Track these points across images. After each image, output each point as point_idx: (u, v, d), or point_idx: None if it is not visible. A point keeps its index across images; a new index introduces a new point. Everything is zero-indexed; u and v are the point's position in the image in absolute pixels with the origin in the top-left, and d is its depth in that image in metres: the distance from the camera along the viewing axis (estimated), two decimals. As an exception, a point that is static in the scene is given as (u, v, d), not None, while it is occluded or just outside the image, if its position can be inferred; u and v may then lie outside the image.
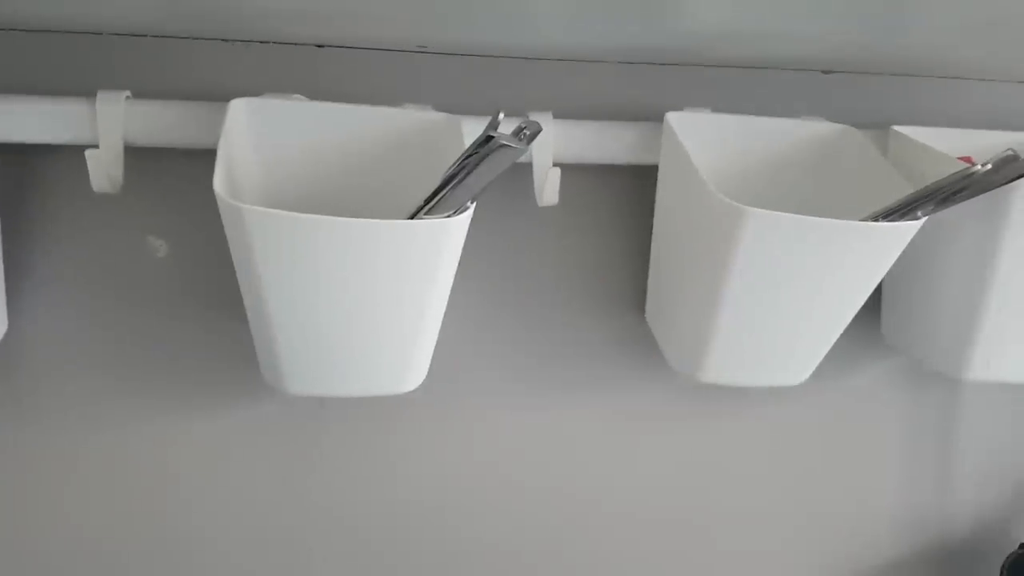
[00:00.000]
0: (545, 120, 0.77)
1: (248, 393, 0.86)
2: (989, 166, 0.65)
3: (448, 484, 0.93)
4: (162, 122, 0.73)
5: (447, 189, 0.60)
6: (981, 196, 0.69)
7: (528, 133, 0.59)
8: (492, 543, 0.96)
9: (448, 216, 0.64)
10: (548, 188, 0.79)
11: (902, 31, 0.70)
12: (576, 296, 0.90)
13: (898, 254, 0.72)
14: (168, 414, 0.86)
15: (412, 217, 0.63)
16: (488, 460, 0.94)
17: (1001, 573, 1.01)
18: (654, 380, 0.93)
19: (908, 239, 0.71)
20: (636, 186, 0.87)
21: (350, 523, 0.92)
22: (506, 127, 0.57)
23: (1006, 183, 0.67)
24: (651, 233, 0.85)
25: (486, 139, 0.55)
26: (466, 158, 0.58)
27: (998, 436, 1.06)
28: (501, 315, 0.90)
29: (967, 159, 0.75)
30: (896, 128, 0.84)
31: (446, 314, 0.72)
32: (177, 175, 0.79)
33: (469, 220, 0.66)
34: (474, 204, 0.65)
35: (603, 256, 0.90)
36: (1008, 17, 0.62)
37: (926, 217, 0.70)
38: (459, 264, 0.69)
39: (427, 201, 0.62)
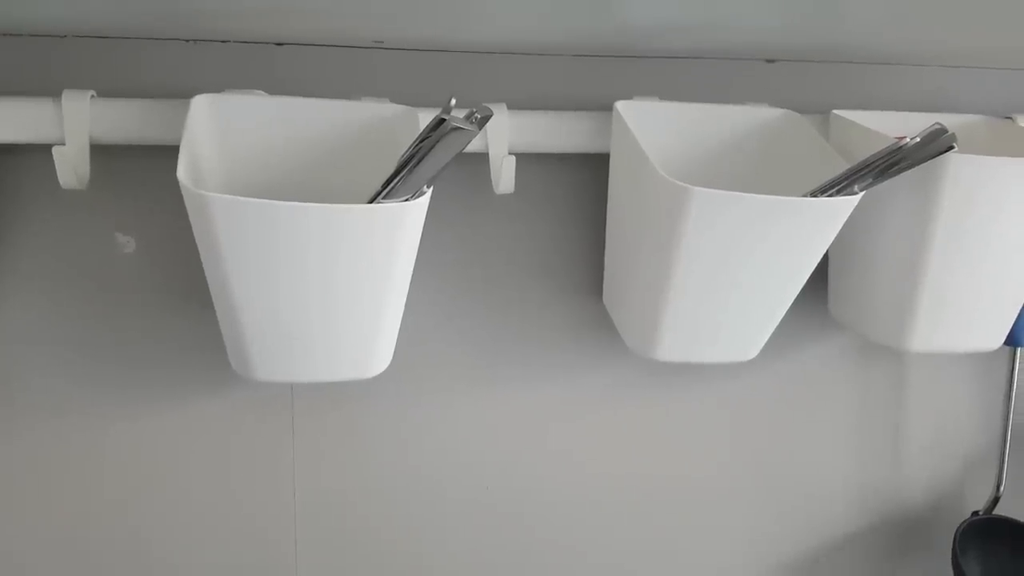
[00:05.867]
0: (499, 111, 0.80)
1: (218, 382, 0.88)
2: (918, 139, 0.69)
3: (415, 465, 0.96)
4: (127, 120, 0.75)
5: (403, 173, 0.63)
6: (913, 171, 0.72)
7: (479, 117, 0.62)
8: (458, 523, 0.99)
9: (405, 200, 0.66)
10: (504, 176, 0.82)
11: (840, 20, 0.73)
12: (536, 282, 0.94)
13: (837, 229, 0.76)
14: (139, 406, 0.88)
15: (370, 202, 0.66)
16: (453, 442, 0.96)
17: (954, 541, 1.05)
18: (612, 361, 0.97)
19: (846, 214, 0.74)
20: (590, 174, 0.91)
21: (322, 505, 0.94)
22: (458, 115, 0.60)
23: (935, 156, 0.70)
24: (605, 218, 0.88)
25: (438, 122, 0.58)
26: (420, 142, 0.61)
27: (947, 408, 1.10)
28: (463, 302, 0.92)
29: (901, 138, 0.79)
30: (836, 112, 0.88)
31: (409, 302, 0.75)
32: (143, 171, 0.82)
33: (426, 204, 0.68)
34: (431, 188, 0.68)
35: (561, 242, 0.93)
36: (933, 4, 0.66)
37: (863, 192, 0.74)
38: (420, 253, 0.72)
39: (384, 186, 0.65)
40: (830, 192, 0.74)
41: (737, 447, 1.04)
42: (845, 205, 0.74)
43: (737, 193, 0.70)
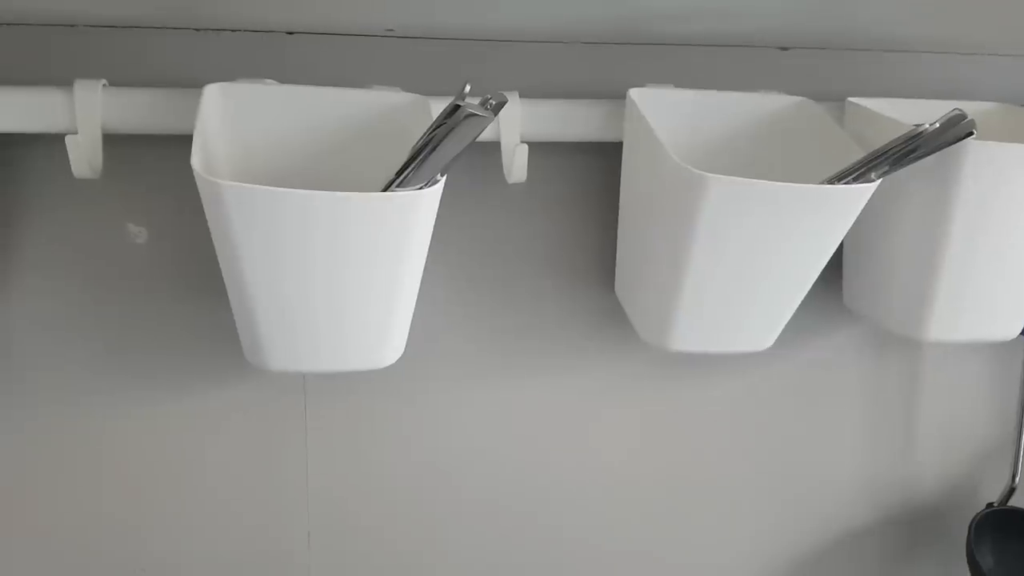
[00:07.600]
0: (512, 99, 0.79)
1: (231, 373, 0.88)
2: (937, 125, 0.68)
3: (427, 456, 0.96)
4: (139, 109, 0.75)
5: (417, 161, 0.63)
6: (931, 157, 0.72)
7: (494, 103, 0.61)
8: (470, 514, 0.98)
9: (419, 188, 0.66)
10: (516, 165, 0.81)
11: (854, 8, 0.72)
12: (548, 272, 0.93)
13: (855, 216, 0.75)
14: (152, 397, 0.88)
15: (384, 191, 0.66)
16: (465, 433, 0.96)
17: (969, 532, 1.04)
18: (625, 352, 0.96)
19: (863, 201, 0.74)
20: (603, 163, 0.90)
21: (335, 496, 0.94)
22: (473, 101, 0.59)
23: (954, 142, 0.69)
24: (618, 208, 0.88)
25: (453, 109, 0.58)
26: (434, 129, 0.60)
27: (962, 398, 1.09)
28: (475, 292, 0.92)
29: (919, 125, 0.78)
30: (852, 100, 0.87)
31: (421, 292, 0.75)
32: (155, 161, 0.81)
33: (440, 192, 0.68)
34: (444, 177, 0.67)
35: (573, 232, 0.92)
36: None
37: (880, 179, 0.73)
38: (432, 242, 0.72)
39: (398, 174, 0.65)
40: (847, 180, 0.73)
41: (751, 438, 1.04)
42: (862, 193, 0.73)
43: (754, 180, 0.70)
